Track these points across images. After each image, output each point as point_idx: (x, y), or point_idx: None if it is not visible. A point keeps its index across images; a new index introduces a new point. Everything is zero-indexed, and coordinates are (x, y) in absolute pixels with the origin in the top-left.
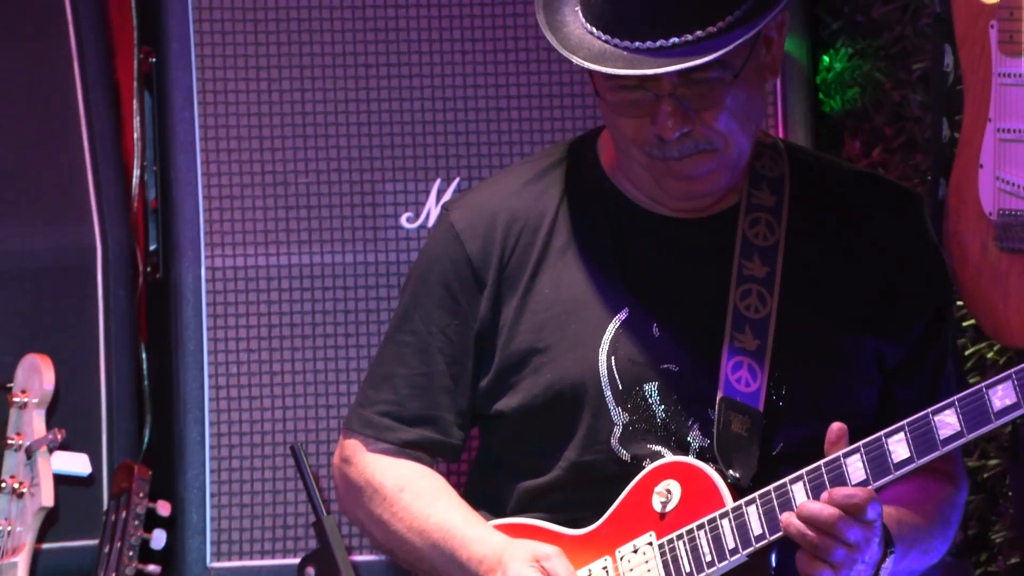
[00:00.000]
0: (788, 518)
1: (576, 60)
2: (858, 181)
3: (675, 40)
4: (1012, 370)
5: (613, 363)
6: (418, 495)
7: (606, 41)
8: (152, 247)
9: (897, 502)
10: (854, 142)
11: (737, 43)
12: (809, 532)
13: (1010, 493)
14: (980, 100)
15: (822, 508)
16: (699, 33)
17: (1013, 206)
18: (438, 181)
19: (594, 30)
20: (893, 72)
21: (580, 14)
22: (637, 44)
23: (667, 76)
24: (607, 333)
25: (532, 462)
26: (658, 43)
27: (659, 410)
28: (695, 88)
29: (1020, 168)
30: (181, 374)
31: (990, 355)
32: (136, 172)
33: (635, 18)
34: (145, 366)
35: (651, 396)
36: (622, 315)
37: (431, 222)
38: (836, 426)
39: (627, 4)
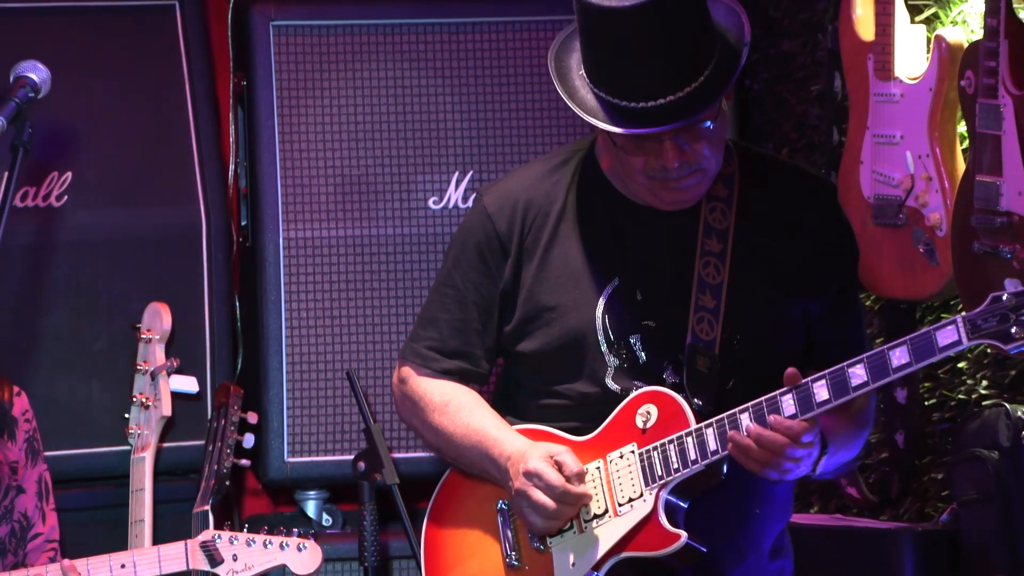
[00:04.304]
0: (734, 435)
1: (602, 126)
2: (790, 173)
3: (671, 98)
4: (907, 337)
5: (606, 320)
6: (460, 406)
7: (616, 104)
8: (243, 222)
9: (833, 414)
10: (767, 144)
11: (721, 96)
12: (755, 447)
13: (882, 405)
14: (861, 113)
15: (773, 434)
16: (688, 89)
17: (885, 192)
18: (456, 173)
19: (604, 95)
20: (797, 92)
21: (587, 80)
22: (642, 105)
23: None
24: (602, 297)
25: (545, 389)
26: (659, 101)
27: (641, 355)
28: (688, 130)
29: (890, 164)
30: (265, 318)
31: (868, 303)
32: (231, 166)
33: (640, 84)
34: (238, 311)
35: (635, 345)
36: (614, 283)
37: (451, 204)
38: (791, 371)
39: (633, 74)
